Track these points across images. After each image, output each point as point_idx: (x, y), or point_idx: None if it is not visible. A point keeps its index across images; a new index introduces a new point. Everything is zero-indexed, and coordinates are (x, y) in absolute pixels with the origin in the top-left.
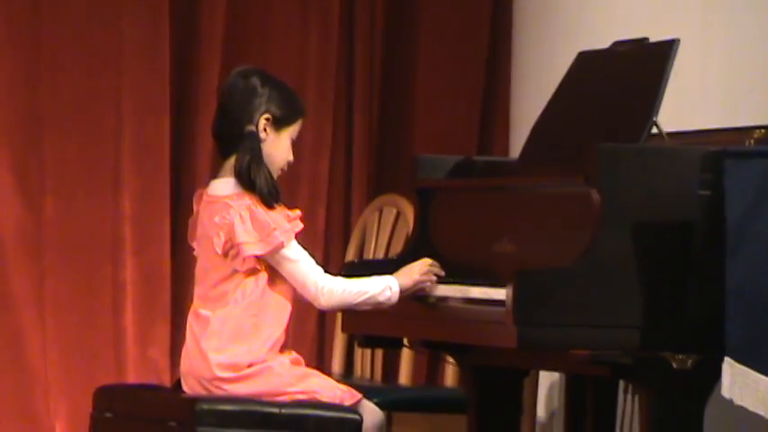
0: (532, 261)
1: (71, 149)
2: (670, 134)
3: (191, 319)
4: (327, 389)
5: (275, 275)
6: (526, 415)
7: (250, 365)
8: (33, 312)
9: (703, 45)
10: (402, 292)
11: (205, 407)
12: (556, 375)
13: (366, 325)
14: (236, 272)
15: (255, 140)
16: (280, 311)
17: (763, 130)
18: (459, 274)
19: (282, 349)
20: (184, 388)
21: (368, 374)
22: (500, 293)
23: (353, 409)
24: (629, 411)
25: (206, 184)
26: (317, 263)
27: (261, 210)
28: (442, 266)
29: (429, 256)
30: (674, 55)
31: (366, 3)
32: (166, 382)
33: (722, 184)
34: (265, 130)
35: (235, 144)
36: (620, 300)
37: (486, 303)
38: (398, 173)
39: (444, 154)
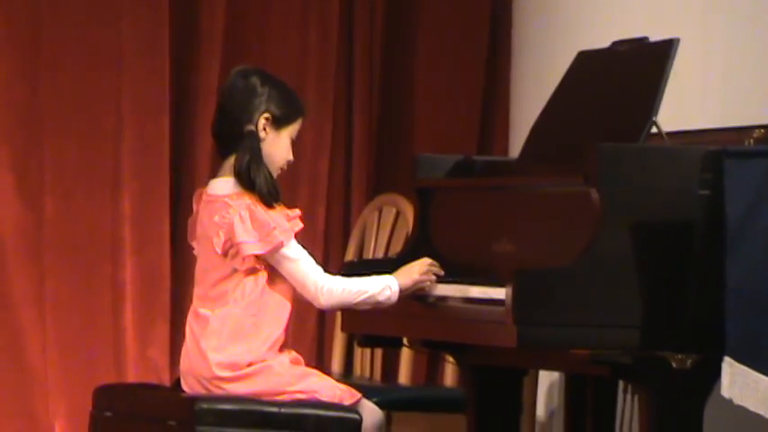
0: (532, 261)
1: (71, 149)
2: (670, 134)
3: (190, 318)
4: (327, 388)
5: (275, 275)
6: (526, 414)
7: (250, 365)
8: (33, 312)
9: (703, 45)
10: (402, 291)
11: (205, 406)
12: (555, 375)
13: (366, 324)
14: (235, 271)
15: (255, 140)
16: (279, 311)
17: (762, 130)
18: (459, 274)
19: (282, 349)
20: (184, 387)
21: (367, 374)
22: (500, 293)
23: (353, 408)
24: (628, 411)
25: (206, 184)
26: (316, 262)
27: (260, 209)
28: (442, 266)
29: (429, 256)
30: (674, 54)
31: (366, 3)
32: (166, 381)
33: (722, 184)
34: (265, 129)
35: (234, 143)
36: (619, 299)
37: (485, 303)
38: (398, 172)
39: (444, 153)
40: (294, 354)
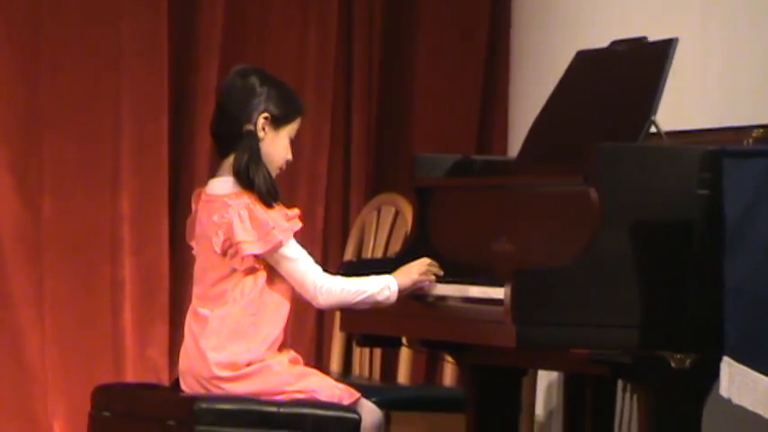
0: (531, 260)
1: (70, 149)
2: (669, 133)
3: (189, 318)
4: (326, 388)
5: (274, 274)
6: (525, 414)
7: (249, 364)
8: (32, 312)
9: (702, 44)
10: (401, 291)
11: (204, 406)
12: (554, 374)
13: (365, 324)
14: (234, 271)
15: (254, 139)
16: (278, 310)
17: (761, 130)
18: (458, 274)
19: (281, 348)
20: (183, 387)
21: (366, 373)
22: (499, 292)
23: (352, 408)
24: (627, 410)
25: (205, 184)
26: (315, 262)
27: (260, 209)
28: (441, 266)
29: (428, 256)
30: (673, 54)
31: (365, 2)
32: (165, 381)
33: (721, 184)
34: (264, 129)
35: (233, 143)
36: (618, 299)
37: (484, 302)
38: (397, 172)
39: (443, 153)
40: (293, 353)
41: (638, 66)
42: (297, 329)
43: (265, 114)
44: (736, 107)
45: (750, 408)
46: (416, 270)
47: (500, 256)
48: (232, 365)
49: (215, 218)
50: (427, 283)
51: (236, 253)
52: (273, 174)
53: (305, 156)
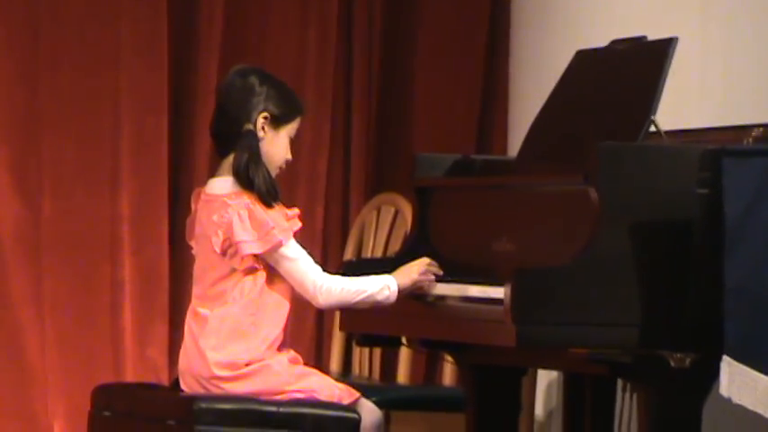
0: (531, 259)
1: (69, 149)
2: (668, 133)
3: (189, 317)
4: (326, 387)
5: (274, 274)
6: (524, 414)
7: (248, 364)
8: (32, 312)
9: (702, 43)
10: (400, 291)
11: (203, 405)
12: (554, 374)
13: (364, 324)
14: (234, 270)
15: (254, 139)
16: (278, 310)
17: (761, 129)
18: (458, 273)
19: (281, 348)
20: (183, 387)
21: (366, 373)
22: (498, 292)
23: (352, 407)
24: (627, 410)
25: (204, 183)
26: (315, 262)
27: (259, 208)
28: (441, 265)
29: (427, 255)
30: (673, 53)
31: (364, 2)
32: (165, 380)
33: (721, 183)
34: (263, 128)
35: (233, 143)
36: (618, 298)
37: (484, 302)
38: (397, 171)
39: (443, 153)
40: (293, 353)
41: (638, 65)
42: (296, 329)
43: (265, 114)
44: (735, 106)
45: (750, 407)
46: (416, 270)
47: (500, 255)
48: (232, 365)
49: (215, 217)
50: (427, 282)
51: (236, 253)
52: (273, 173)
53: (304, 155)
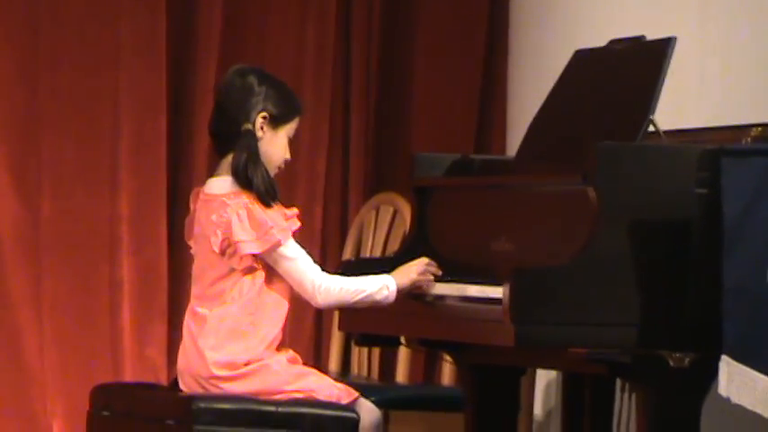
0: (530, 259)
1: (68, 148)
2: (667, 132)
3: (188, 317)
4: (324, 387)
5: (272, 274)
6: (523, 413)
7: (247, 364)
8: (31, 312)
9: (700, 43)
10: (399, 291)
11: (202, 405)
12: (553, 374)
13: (363, 323)
14: (233, 270)
15: (252, 139)
16: (277, 310)
17: (760, 129)
18: (457, 273)
19: (280, 348)
20: (181, 386)
21: (365, 373)
22: (497, 292)
23: (350, 407)
24: (626, 410)
25: (203, 183)
26: (314, 261)
27: (258, 208)
28: (440, 265)
29: (426, 255)
30: (671, 53)
31: (363, 1)
32: (163, 380)
33: (719, 183)
34: (262, 128)
35: (232, 142)
36: (617, 298)
37: (483, 302)
38: (396, 171)
39: (442, 152)
40: (291, 353)
41: (637, 65)
42: (295, 329)
43: (264, 114)
44: (734, 106)
45: (749, 407)
46: (415, 269)
47: (499, 255)
48: (230, 365)
49: (213, 217)
50: (426, 282)
51: (235, 252)
52: (272, 173)
53: (303, 155)
